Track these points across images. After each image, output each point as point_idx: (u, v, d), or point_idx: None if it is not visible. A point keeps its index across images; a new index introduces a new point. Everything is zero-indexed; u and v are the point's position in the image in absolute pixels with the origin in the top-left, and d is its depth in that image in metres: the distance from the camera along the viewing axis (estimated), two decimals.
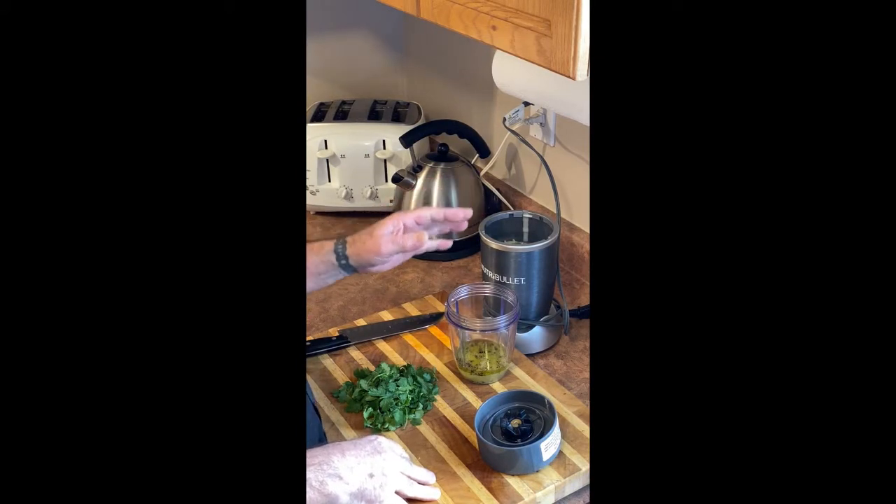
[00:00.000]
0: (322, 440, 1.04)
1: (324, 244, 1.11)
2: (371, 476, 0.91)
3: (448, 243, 1.14)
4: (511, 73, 1.29)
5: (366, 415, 1.09)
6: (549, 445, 1.00)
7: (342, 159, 1.63)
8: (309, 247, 1.11)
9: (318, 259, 1.09)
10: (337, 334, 1.27)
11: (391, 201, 1.63)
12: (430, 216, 1.13)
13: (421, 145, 1.64)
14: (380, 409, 1.10)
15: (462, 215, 1.13)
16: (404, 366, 1.19)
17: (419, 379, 1.15)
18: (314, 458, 0.90)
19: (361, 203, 1.66)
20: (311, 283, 1.11)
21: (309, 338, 1.26)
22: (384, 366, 1.17)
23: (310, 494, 0.87)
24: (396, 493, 0.93)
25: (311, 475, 0.88)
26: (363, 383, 1.14)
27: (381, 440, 0.96)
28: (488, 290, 1.21)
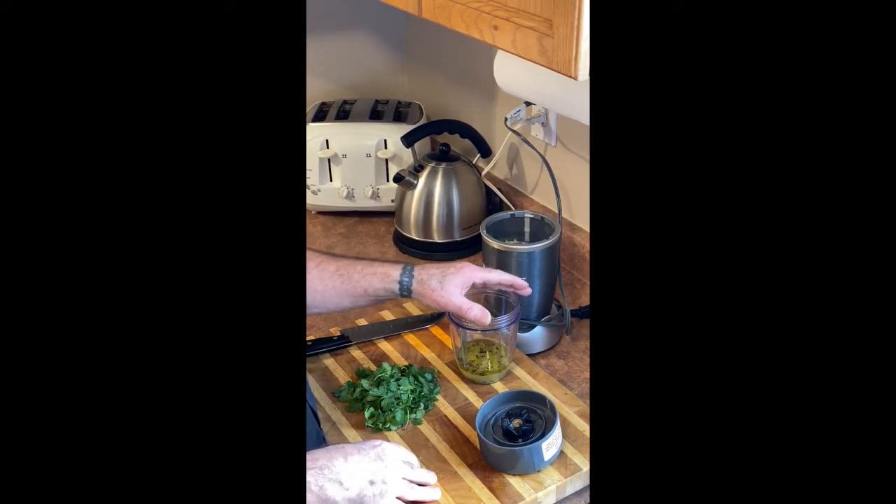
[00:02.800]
0: (320, 444, 1.03)
1: (388, 271, 1.13)
2: (371, 483, 0.91)
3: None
4: (512, 72, 1.29)
5: (367, 414, 1.09)
6: (551, 445, 1.00)
7: (343, 159, 1.64)
8: (373, 270, 1.14)
9: (381, 285, 1.13)
10: (338, 334, 1.27)
11: (392, 201, 1.63)
12: (498, 281, 1.17)
13: (422, 145, 1.64)
14: (381, 408, 1.10)
15: (528, 291, 1.19)
16: (405, 365, 1.19)
17: (420, 379, 1.15)
18: (316, 460, 0.90)
19: (363, 203, 1.67)
20: (364, 301, 1.15)
21: (310, 337, 1.26)
22: (385, 365, 1.17)
23: (308, 498, 0.86)
24: (398, 498, 0.93)
25: (311, 479, 0.88)
26: (364, 383, 1.14)
27: (386, 446, 0.95)
28: (490, 289, 1.21)
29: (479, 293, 1.20)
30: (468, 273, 1.14)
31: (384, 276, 1.13)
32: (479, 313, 1.11)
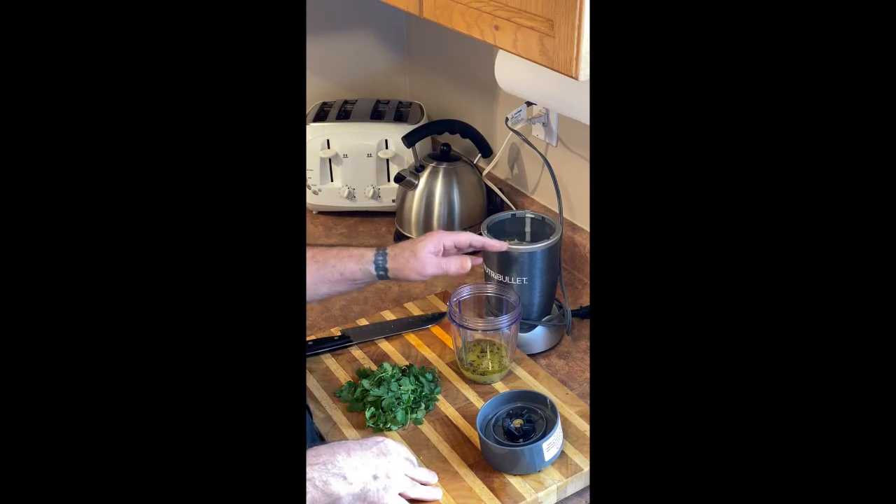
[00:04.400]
0: (314, 440, 1.03)
1: (364, 253, 1.14)
2: (375, 478, 0.91)
3: (478, 259, 1.17)
4: (514, 72, 1.29)
5: (368, 414, 1.09)
6: (552, 445, 1.00)
7: (344, 159, 1.64)
8: (348, 252, 1.14)
9: (357, 267, 1.14)
10: (339, 334, 1.27)
11: (393, 201, 1.63)
12: (468, 241, 1.18)
13: (423, 145, 1.64)
14: (382, 408, 1.10)
15: (498, 247, 1.19)
16: (406, 365, 1.19)
17: (421, 379, 1.15)
18: (319, 456, 0.90)
19: (364, 203, 1.67)
20: (343, 287, 1.16)
21: (311, 337, 1.26)
22: (386, 365, 1.17)
23: (313, 493, 0.87)
24: (399, 494, 0.93)
25: (315, 474, 0.88)
26: (365, 383, 1.14)
27: (388, 442, 0.96)
28: (490, 289, 1.21)
29: (478, 293, 1.20)
30: (437, 237, 1.15)
31: (359, 257, 1.13)
32: (458, 264, 1.12)
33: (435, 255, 1.14)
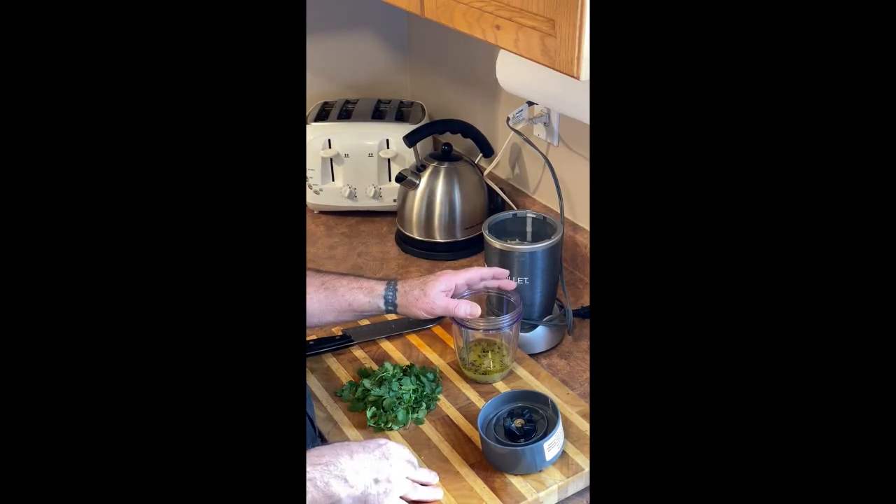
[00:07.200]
0: (316, 443, 1.04)
1: (374, 286, 1.15)
2: (376, 482, 0.91)
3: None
4: (515, 72, 1.29)
5: (369, 414, 1.09)
6: (553, 445, 1.00)
7: (346, 159, 1.64)
8: (359, 284, 1.16)
9: (367, 300, 1.15)
10: (340, 333, 1.27)
11: (395, 201, 1.63)
12: (479, 277, 1.19)
13: (424, 145, 1.64)
14: (383, 408, 1.10)
15: (508, 287, 1.20)
16: (407, 365, 1.19)
17: (422, 378, 1.15)
18: (322, 457, 0.90)
19: (365, 202, 1.67)
20: (349, 317, 1.17)
21: (312, 337, 1.26)
22: (387, 365, 1.17)
23: (313, 493, 0.87)
24: (401, 497, 0.93)
25: (317, 474, 0.88)
26: (366, 382, 1.14)
27: (390, 445, 0.96)
28: (492, 289, 1.21)
29: (478, 294, 1.20)
30: (448, 278, 1.15)
31: (370, 290, 1.15)
32: (468, 308, 1.12)
33: (445, 294, 1.14)
